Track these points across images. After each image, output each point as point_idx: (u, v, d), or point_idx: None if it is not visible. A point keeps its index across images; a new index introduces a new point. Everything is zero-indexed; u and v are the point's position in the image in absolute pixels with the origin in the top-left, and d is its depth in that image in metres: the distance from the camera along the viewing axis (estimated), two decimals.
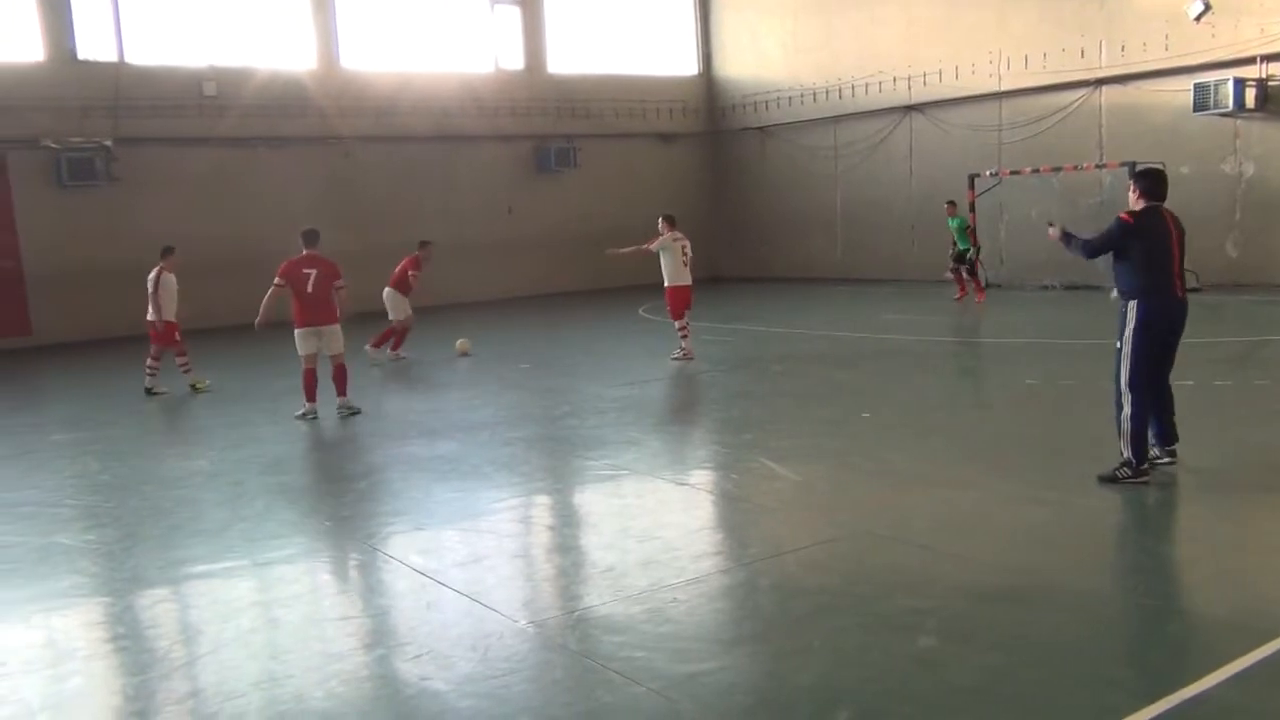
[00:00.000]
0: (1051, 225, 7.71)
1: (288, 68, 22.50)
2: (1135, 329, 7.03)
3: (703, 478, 8.39)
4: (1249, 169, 18.68)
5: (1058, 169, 19.83)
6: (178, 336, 13.32)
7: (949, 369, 13.34)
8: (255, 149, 22.09)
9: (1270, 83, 18.10)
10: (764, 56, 27.11)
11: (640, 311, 20.54)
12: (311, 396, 11.12)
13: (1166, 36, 18.94)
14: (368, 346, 15.35)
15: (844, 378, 12.37)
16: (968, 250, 19.20)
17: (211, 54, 21.84)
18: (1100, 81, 20.29)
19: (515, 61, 25.85)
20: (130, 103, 20.72)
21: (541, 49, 26.13)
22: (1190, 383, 10.60)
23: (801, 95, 25.88)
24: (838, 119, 25.26)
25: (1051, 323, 16.34)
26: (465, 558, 6.38)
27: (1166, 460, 7.34)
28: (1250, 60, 18.09)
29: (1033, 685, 4.28)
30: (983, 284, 19.40)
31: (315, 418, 10.98)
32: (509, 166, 25.71)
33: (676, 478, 8.17)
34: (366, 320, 14.83)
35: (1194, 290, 18.42)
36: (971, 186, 20.68)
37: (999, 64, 21.70)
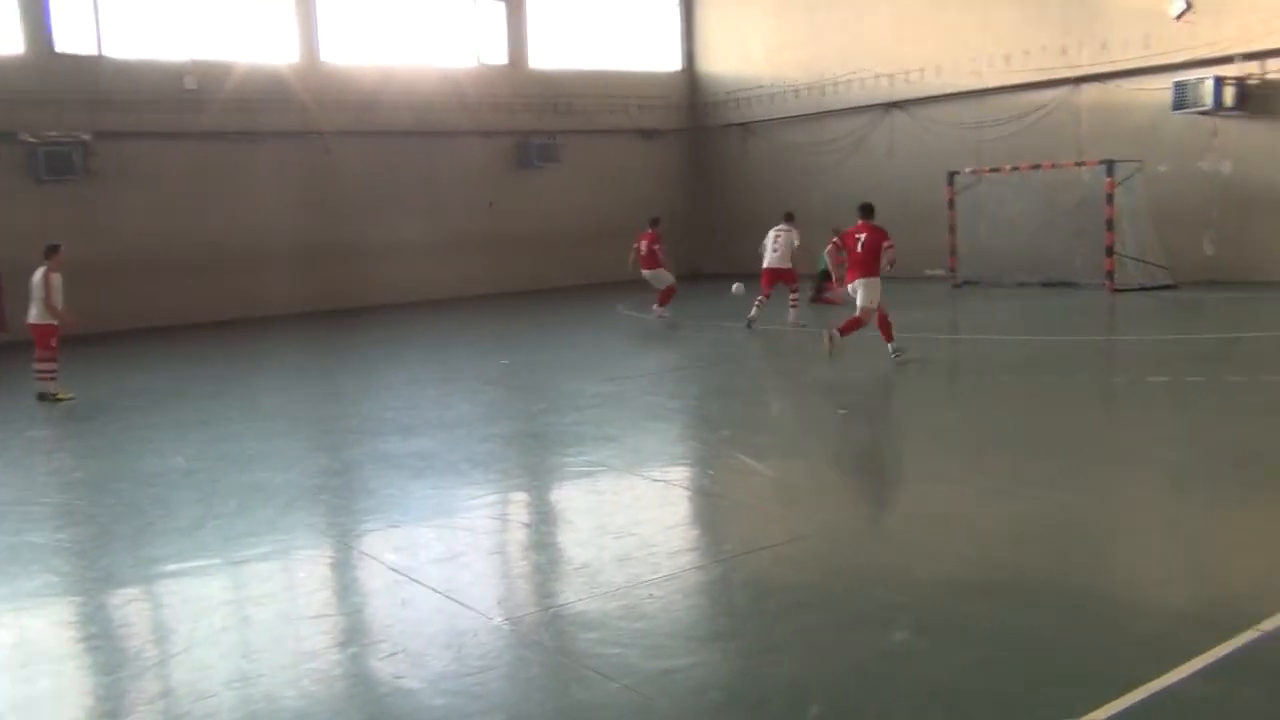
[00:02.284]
0: None
1: (269, 61, 22.37)
2: None
3: (680, 474, 8.39)
4: (1226, 167, 18.79)
5: (1037, 167, 19.91)
6: (54, 342, 12.62)
7: (925, 364, 13.37)
8: (235, 143, 21.96)
9: (1249, 81, 18.20)
10: (747, 52, 27.12)
11: (620, 308, 20.52)
12: None
13: (1147, 35, 19.02)
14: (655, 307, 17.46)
15: (822, 374, 12.38)
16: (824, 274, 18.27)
17: (191, 47, 21.69)
18: (1080, 79, 20.36)
19: (498, 56, 25.78)
20: (108, 96, 20.55)
21: (524, 44, 26.07)
22: (1165, 379, 10.67)
23: (784, 92, 25.90)
24: (820, 115, 25.28)
25: (1028, 320, 16.40)
26: (440, 555, 6.36)
27: None
28: (1229, 59, 18.17)
29: (1006, 680, 4.30)
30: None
31: None
32: (491, 162, 25.63)
33: (654, 474, 8.16)
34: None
35: (1169, 287, 18.57)
36: (950, 183, 20.74)
37: (981, 62, 21.76)
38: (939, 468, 7.88)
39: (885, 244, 12.21)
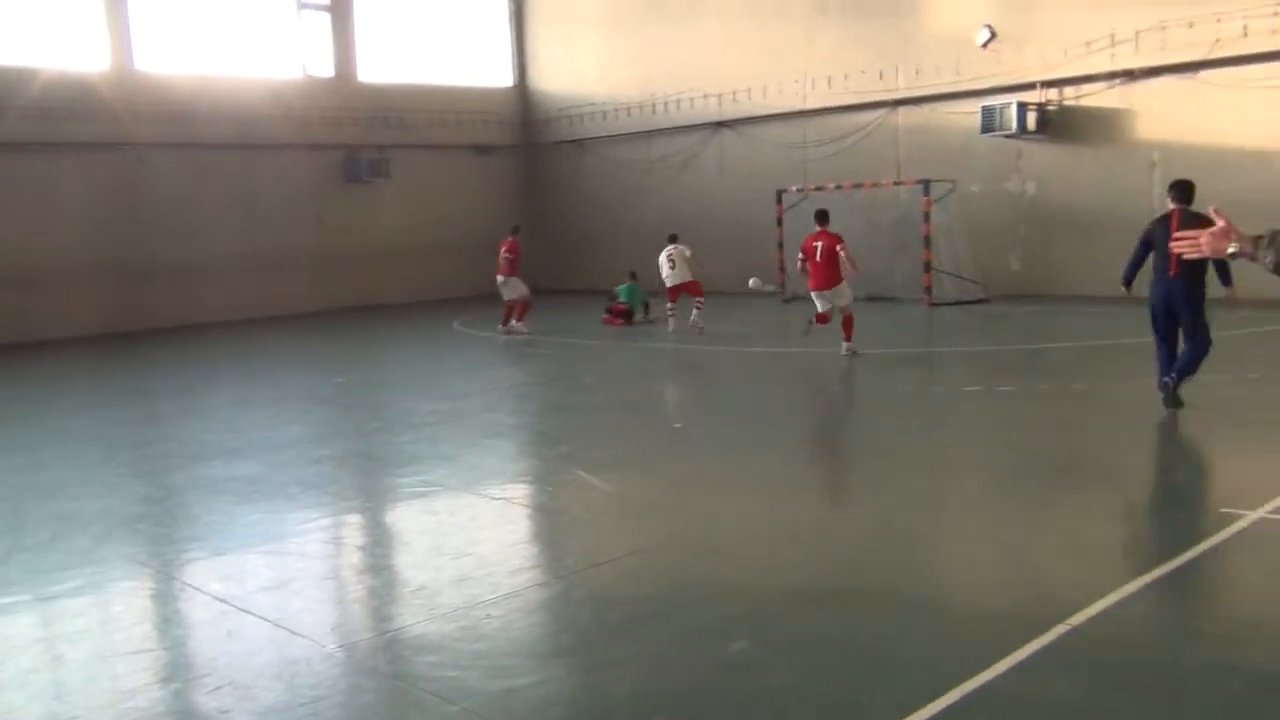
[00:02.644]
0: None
1: (76, 68, 21.22)
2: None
3: (518, 491, 8.34)
4: (1031, 188, 19.98)
5: (858, 186, 20.70)
6: None
7: (757, 378, 13.70)
8: (37, 155, 20.71)
9: (1049, 107, 19.41)
10: (579, 70, 27.29)
11: (456, 325, 20.29)
12: None
13: (957, 61, 20.05)
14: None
15: (657, 388, 12.54)
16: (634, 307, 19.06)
17: None
18: (898, 102, 21.31)
19: (324, 68, 25.17)
20: None
21: (351, 56, 25.53)
22: (979, 388, 11.24)
23: (616, 109, 26.16)
24: (651, 133, 25.66)
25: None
26: (270, 582, 6.13)
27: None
28: (1031, 86, 19.36)
29: (838, 684, 4.44)
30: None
31: None
32: (319, 176, 24.97)
33: (491, 492, 8.09)
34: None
35: (982, 301, 19.56)
36: (779, 201, 21.35)
37: (805, 83, 22.50)
38: (772, 479, 8.07)
39: (838, 247, 13.11)
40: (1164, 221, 9.27)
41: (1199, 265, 8.84)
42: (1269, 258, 3.10)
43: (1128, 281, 9.60)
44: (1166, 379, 9.27)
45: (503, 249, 17.90)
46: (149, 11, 22.48)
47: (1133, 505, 7.05)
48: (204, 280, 22.75)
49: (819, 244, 13.23)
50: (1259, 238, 3.13)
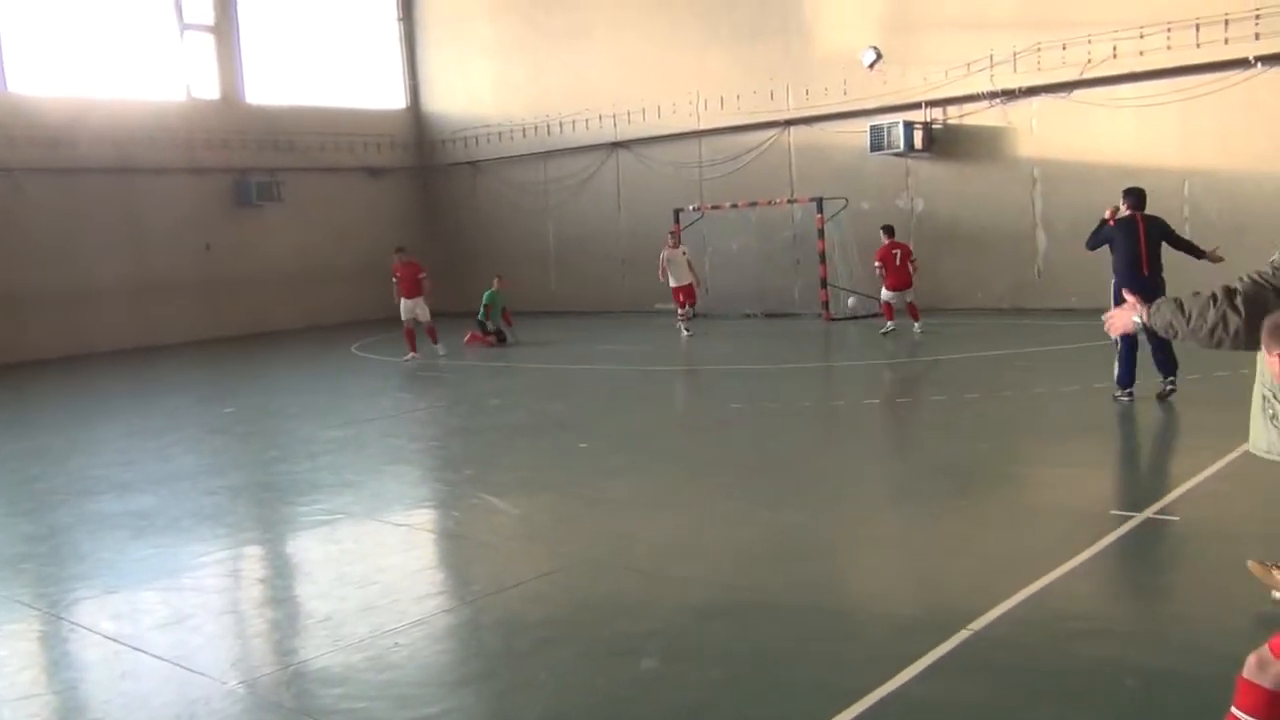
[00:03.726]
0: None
1: None
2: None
3: (423, 517, 8.23)
4: (919, 204, 20.52)
5: (754, 204, 21.01)
6: None
7: (661, 397, 13.78)
8: None
9: (934, 126, 19.99)
10: (473, 91, 27.17)
11: (354, 349, 19.96)
12: None
13: (845, 81, 20.53)
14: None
15: (561, 409, 12.52)
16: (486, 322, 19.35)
17: None
18: (789, 122, 21.71)
19: (210, 91, 24.58)
20: None
21: (237, 78, 24.98)
22: (876, 400, 11.48)
23: (511, 131, 26.10)
24: (547, 155, 25.66)
25: (753, 349, 17.24)
26: (165, 619, 5.92)
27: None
28: (917, 105, 19.92)
29: (749, 697, 4.46)
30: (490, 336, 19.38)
31: None
32: (205, 201, 24.31)
33: (395, 519, 7.96)
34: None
35: (877, 315, 19.89)
36: (677, 221, 21.54)
37: (698, 104, 22.78)
38: (674, 496, 8.11)
39: (910, 256, 16.64)
40: (1128, 225, 9.98)
41: (1161, 263, 9.89)
42: (1155, 322, 3.78)
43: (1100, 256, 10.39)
44: (1130, 391, 9.93)
45: (401, 270, 17.54)
46: (21, 33, 21.69)
47: (1027, 511, 7.27)
48: (86, 309, 21.95)
49: (896, 252, 16.47)
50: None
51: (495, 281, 19.56)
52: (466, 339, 19.27)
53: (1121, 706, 4.20)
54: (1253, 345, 3.41)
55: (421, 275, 17.51)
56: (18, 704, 4.87)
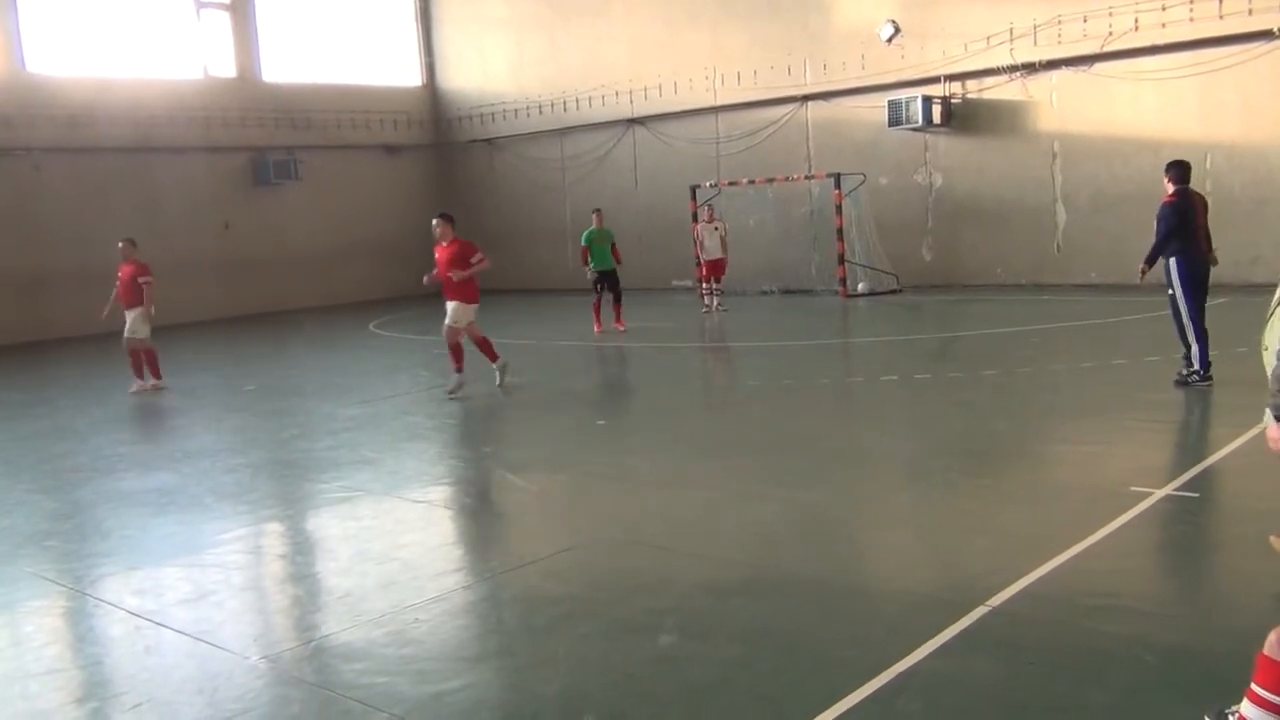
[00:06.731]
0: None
1: None
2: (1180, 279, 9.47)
3: (441, 494, 8.27)
4: (938, 179, 20.39)
5: (771, 180, 20.92)
6: None
7: (678, 374, 13.78)
8: None
9: (953, 100, 19.83)
10: (489, 69, 27.10)
11: (372, 327, 20.02)
12: None
13: (863, 56, 20.38)
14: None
15: (580, 386, 12.53)
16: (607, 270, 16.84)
17: None
18: (806, 98, 21.57)
19: (226, 69, 24.60)
20: None
21: (254, 56, 24.99)
22: (894, 377, 11.44)
23: (528, 108, 26.05)
24: (564, 131, 25.60)
25: (770, 326, 17.20)
26: (188, 595, 5.99)
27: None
28: (936, 80, 19.75)
29: (768, 674, 4.48)
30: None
31: None
32: (224, 180, 24.39)
33: (414, 496, 8.01)
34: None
35: (895, 291, 19.86)
36: (693, 197, 21.46)
37: (714, 80, 22.66)
38: (692, 473, 8.12)
39: None
40: (1186, 202, 9.51)
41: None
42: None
43: (1151, 261, 9.68)
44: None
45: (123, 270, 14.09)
46: (39, 13, 21.73)
47: (1046, 487, 7.24)
48: (106, 288, 22.00)
49: None
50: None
51: (595, 218, 17.06)
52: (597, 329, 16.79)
53: (1141, 683, 4.19)
54: None
55: (143, 279, 13.86)
56: (44, 678, 4.94)
